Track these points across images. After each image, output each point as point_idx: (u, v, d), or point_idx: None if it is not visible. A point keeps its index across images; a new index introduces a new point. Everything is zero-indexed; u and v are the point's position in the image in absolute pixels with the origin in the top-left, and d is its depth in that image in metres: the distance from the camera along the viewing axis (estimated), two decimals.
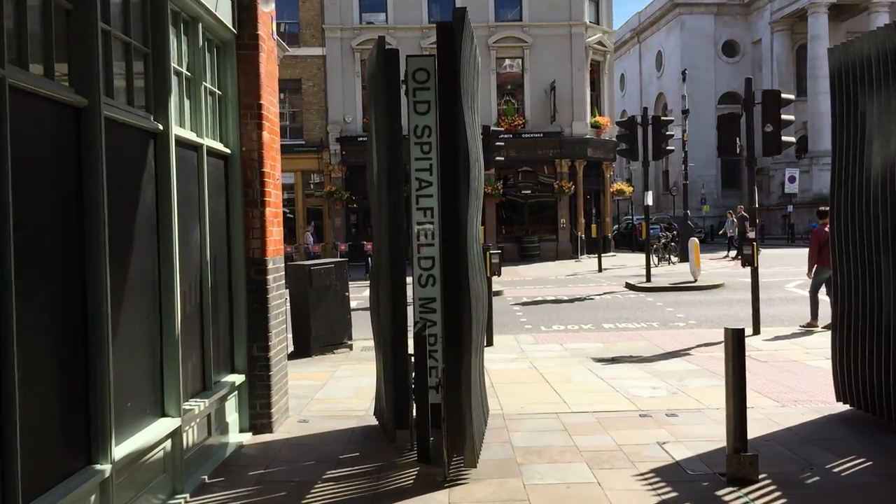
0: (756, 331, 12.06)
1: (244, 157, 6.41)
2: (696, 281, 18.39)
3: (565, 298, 17.21)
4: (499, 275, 12.04)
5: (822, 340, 10.80)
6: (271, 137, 6.73)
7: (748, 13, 54.52)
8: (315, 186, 30.29)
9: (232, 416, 6.17)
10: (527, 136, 29.74)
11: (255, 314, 6.39)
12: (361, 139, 29.29)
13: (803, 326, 12.26)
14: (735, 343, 5.12)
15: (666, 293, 17.49)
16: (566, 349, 11.00)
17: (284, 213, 27.90)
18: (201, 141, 5.67)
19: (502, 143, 18.53)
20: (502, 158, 19.88)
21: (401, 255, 6.22)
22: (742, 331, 5.15)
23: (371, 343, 7.97)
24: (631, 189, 35.59)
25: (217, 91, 6.20)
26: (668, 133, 18.12)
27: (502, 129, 28.76)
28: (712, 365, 9.41)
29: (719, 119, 12.61)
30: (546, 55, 29.95)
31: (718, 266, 25.45)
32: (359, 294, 16.35)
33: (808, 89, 48.13)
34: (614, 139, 31.65)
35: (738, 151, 12.25)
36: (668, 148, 18.00)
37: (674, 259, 26.41)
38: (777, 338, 11.51)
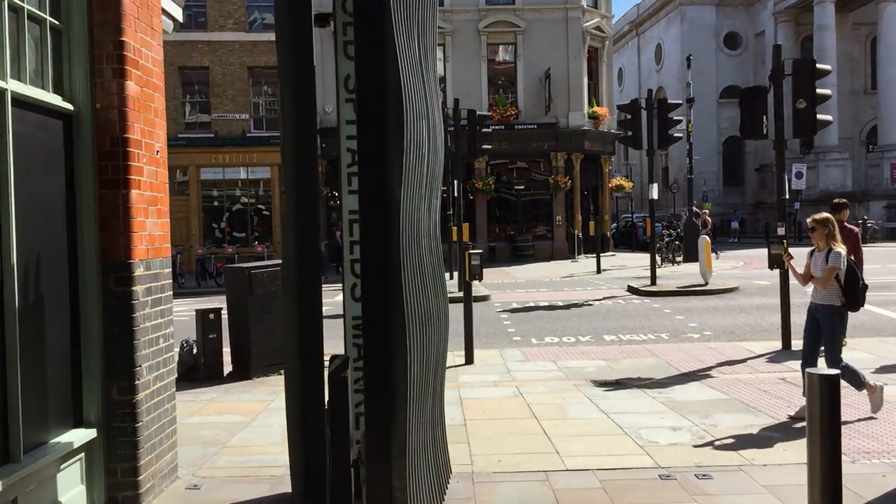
0: (786, 344, 10.19)
1: (99, 117, 4.50)
2: (706, 284, 16.50)
3: (560, 304, 15.31)
4: (480, 279, 10.16)
5: (870, 359, 8.92)
6: (144, 92, 4.82)
7: (750, 4, 52.68)
8: None
9: (73, 490, 4.25)
10: (520, 127, 27.84)
11: (114, 342, 4.49)
12: None
13: None
14: (826, 396, 3.18)
15: (674, 298, 15.60)
16: (561, 368, 9.13)
17: (260, 210, 25.88)
18: (3, 85, 3.75)
19: (490, 130, 16.64)
20: (490, 147, 18.00)
21: (313, 257, 4.28)
22: (836, 379, 3.22)
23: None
24: (631, 185, 33.69)
25: (53, 21, 4.28)
26: (674, 118, 16.23)
27: (493, 119, 26.97)
28: (741, 392, 7.54)
29: (742, 94, 10.72)
30: (540, 41, 28.05)
31: (727, 267, 23.57)
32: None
33: None
34: (613, 131, 29.81)
35: (764, 132, 10.36)
36: (675, 135, 16.11)
37: (678, 259, 24.53)
38: None
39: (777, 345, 10.37)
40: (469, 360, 9.85)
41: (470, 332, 9.90)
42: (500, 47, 28.63)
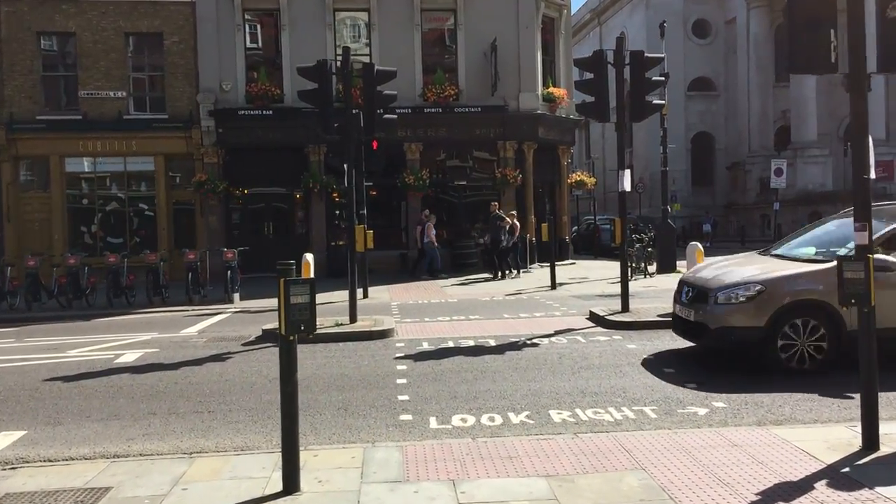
0: (871, 439, 5.62)
1: None
2: None
3: (492, 344, 10.48)
4: (310, 332, 5.34)
5: None
6: None
7: None
8: (183, 175, 23.13)
9: None
10: (461, 110, 23.03)
11: None
12: (245, 112, 22.34)
13: None
14: None
15: (655, 333, 10.85)
16: None
17: (142, 210, 20.65)
18: None
19: (395, 94, 11.75)
20: (394, 117, 13.10)
21: None
22: None
23: None
24: (594, 181, 29.06)
25: None
26: (654, 79, 11.58)
27: (429, 100, 22.16)
28: None
29: (792, 4, 5.97)
30: (485, 6, 23.29)
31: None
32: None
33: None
34: (573, 117, 25.17)
35: (833, 61, 5.69)
36: (655, 102, 11.44)
37: (651, 270, 19.95)
38: None
39: (849, 435, 5.82)
40: (291, 483, 5.08)
41: (291, 426, 5.11)
42: (437, 13, 23.77)
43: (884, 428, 5.77)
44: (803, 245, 9.57)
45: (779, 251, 9.75)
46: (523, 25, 23.49)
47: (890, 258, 8.20)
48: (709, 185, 49.45)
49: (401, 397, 7.68)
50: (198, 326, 13.20)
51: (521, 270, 21.46)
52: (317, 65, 10.99)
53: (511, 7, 23.47)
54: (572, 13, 29.60)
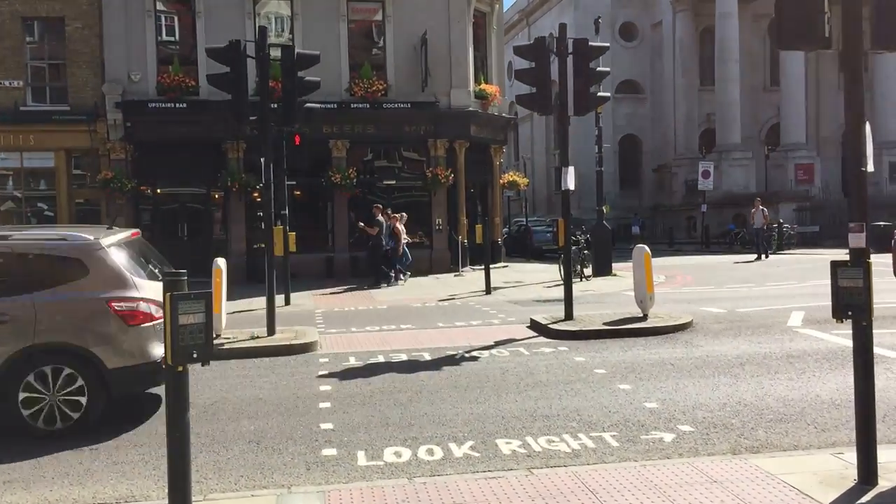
0: (869, 472, 4.89)
1: None
2: (646, 317, 11.07)
3: (427, 359, 9.46)
4: (204, 360, 4.23)
5: None
6: None
7: None
8: (87, 173, 21.28)
9: None
10: (390, 106, 21.93)
11: None
12: (157, 105, 20.70)
13: None
14: None
15: (604, 344, 10.05)
16: None
17: (41, 210, 18.73)
18: None
19: (318, 80, 10.62)
20: (318, 106, 11.96)
21: None
22: None
23: None
24: (526, 181, 28.37)
25: None
26: (599, 70, 10.80)
27: (356, 95, 21.03)
28: None
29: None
30: None
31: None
32: None
33: (715, 76, 42.85)
34: (506, 115, 24.45)
35: (826, 35, 4.93)
36: (600, 94, 10.66)
37: (587, 273, 19.32)
38: None
39: (838, 465, 5.15)
40: None
41: (181, 483, 4.00)
42: (364, 4, 22.66)
43: (885, 449, 5.07)
44: None
45: None
46: (454, 19, 22.59)
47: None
48: (636, 188, 49.72)
49: (324, 426, 6.61)
50: None
51: (455, 274, 20.50)
52: (229, 46, 9.78)
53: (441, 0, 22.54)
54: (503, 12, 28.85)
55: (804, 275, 18.53)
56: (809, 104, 43.38)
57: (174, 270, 4.30)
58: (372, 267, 19.50)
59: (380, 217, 19.14)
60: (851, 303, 4.86)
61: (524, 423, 6.55)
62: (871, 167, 4.97)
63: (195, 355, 4.18)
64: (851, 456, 5.12)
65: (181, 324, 4.11)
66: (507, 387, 7.82)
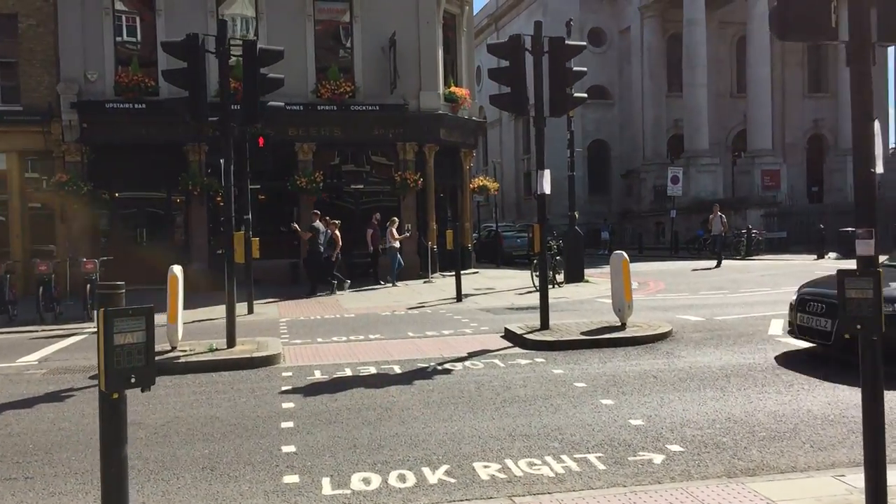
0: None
1: None
2: (624, 326, 10.68)
3: (398, 372, 8.93)
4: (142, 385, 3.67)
5: None
6: None
7: None
8: (41, 175, 20.38)
9: None
10: (357, 108, 21.42)
11: None
12: (114, 106, 19.91)
13: None
14: None
15: (582, 355, 9.61)
16: None
17: None
18: None
19: (281, 77, 10.07)
20: (281, 104, 11.38)
21: None
22: None
23: None
24: (496, 186, 28.01)
25: None
26: (576, 70, 10.42)
27: (322, 97, 20.49)
28: None
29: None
30: None
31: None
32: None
33: (683, 81, 43.00)
34: (476, 118, 24.05)
35: (833, 25, 4.55)
36: (577, 95, 10.28)
37: (559, 280, 18.95)
38: None
39: (841, 489, 4.75)
40: None
41: None
42: (332, 4, 22.11)
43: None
44: None
45: None
46: (424, 20, 22.15)
47: None
48: (605, 193, 49.73)
49: (286, 448, 6.07)
50: (41, 353, 11.01)
51: (425, 280, 20.01)
52: (186, 39, 9.19)
53: (411, 0, 22.08)
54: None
55: (777, 281, 18.37)
56: (775, 111, 43.74)
57: (109, 283, 3.76)
58: (309, 275, 18.51)
59: (317, 223, 18.18)
60: (861, 315, 4.47)
61: (503, 443, 6.09)
62: (880, 168, 4.59)
63: (134, 380, 3.64)
64: (854, 479, 4.77)
65: (117, 344, 3.57)
66: (482, 403, 7.34)
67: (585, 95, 11.71)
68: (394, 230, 19.47)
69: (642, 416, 6.75)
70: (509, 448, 5.96)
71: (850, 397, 7.21)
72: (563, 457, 5.72)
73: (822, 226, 29.33)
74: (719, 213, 25.86)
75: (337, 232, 18.52)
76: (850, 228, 28.84)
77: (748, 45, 42.40)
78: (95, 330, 12.85)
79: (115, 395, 3.62)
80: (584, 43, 12.24)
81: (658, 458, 5.66)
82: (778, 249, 33.10)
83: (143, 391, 3.75)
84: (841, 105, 44.05)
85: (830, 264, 25.10)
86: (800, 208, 39.11)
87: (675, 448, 5.88)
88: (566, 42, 10.28)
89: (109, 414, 3.67)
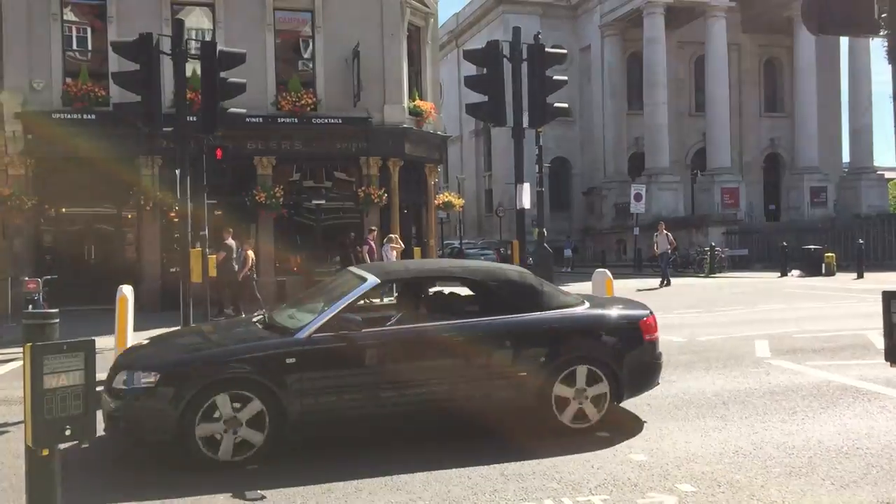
0: None
1: None
2: None
3: None
4: None
5: None
6: None
7: (576, 16, 49.51)
8: None
9: None
10: (319, 121, 20.72)
11: None
12: (62, 116, 18.90)
13: None
14: None
15: None
16: None
17: None
18: None
19: (243, 82, 9.38)
20: (242, 111, 10.70)
21: None
22: None
23: None
24: (462, 202, 27.55)
25: None
26: (557, 79, 9.94)
27: (283, 109, 19.76)
28: None
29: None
30: (347, 9, 21.23)
31: None
32: None
33: (644, 99, 43.24)
34: (441, 133, 23.55)
35: (876, 17, 4.11)
36: (557, 105, 9.78)
37: None
38: None
39: None
40: None
41: None
42: (293, 14, 21.44)
43: None
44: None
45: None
46: (388, 32, 21.61)
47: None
48: (566, 210, 49.66)
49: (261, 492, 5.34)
50: None
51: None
52: (139, 39, 8.47)
53: (375, 11, 21.55)
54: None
55: (751, 299, 18.09)
56: (732, 130, 44.21)
57: (37, 311, 3.04)
58: (219, 294, 16.29)
59: (230, 241, 16.41)
60: None
61: (494, 484, 5.45)
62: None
63: (69, 431, 2.93)
64: None
65: (48, 387, 2.86)
66: (467, 436, 6.70)
67: (566, 105, 11.25)
68: (392, 246, 18.72)
69: (643, 451, 6.18)
70: (503, 490, 5.34)
71: (857, 426, 6.77)
72: (565, 500, 5.12)
73: (784, 244, 29.44)
74: (665, 231, 25.47)
75: (250, 251, 17.01)
76: (812, 246, 29.07)
77: (706, 64, 42.88)
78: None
79: (45, 452, 2.91)
80: (565, 51, 11.78)
81: (670, 501, 5.10)
82: (740, 267, 33.19)
83: (81, 444, 3.04)
84: (797, 125, 44.77)
85: (795, 282, 25.13)
86: (760, 226, 39.47)
87: (687, 488, 5.32)
88: (546, 49, 9.78)
89: (38, 473, 2.94)
